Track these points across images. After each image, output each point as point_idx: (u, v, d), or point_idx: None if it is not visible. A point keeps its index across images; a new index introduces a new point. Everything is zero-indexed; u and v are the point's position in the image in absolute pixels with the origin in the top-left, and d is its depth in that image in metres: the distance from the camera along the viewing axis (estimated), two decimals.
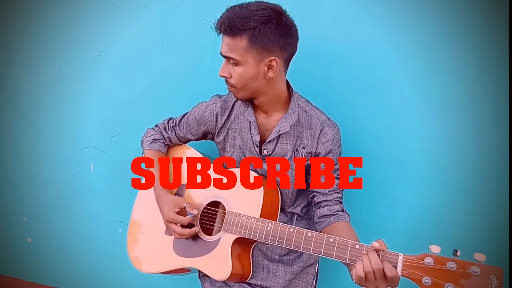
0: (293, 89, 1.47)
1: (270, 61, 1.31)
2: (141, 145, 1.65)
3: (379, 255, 1.08)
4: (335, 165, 1.45)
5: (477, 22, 1.47)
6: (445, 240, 1.55)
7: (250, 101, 1.46)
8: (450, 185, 1.56)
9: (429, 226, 1.59)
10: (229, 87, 1.40)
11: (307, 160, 1.45)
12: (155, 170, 1.56)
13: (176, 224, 1.45)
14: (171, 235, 1.53)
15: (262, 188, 1.39)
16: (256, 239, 1.34)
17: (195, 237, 1.48)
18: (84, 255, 2.30)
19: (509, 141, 1.46)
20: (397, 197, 1.63)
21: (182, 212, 1.46)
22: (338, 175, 1.46)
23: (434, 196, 1.58)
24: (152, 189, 1.59)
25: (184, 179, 1.58)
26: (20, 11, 2.22)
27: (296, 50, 1.38)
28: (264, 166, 1.48)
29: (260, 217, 1.35)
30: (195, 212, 1.45)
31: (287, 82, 1.46)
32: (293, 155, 1.46)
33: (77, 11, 2.08)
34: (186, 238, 1.47)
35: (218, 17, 1.31)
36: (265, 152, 1.47)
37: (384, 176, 1.64)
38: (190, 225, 1.46)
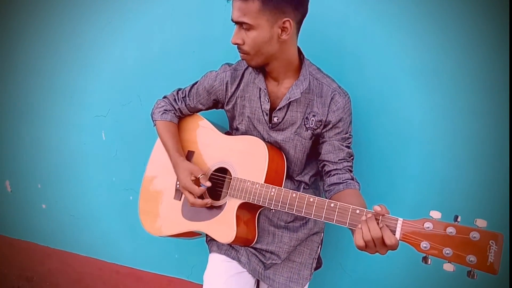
0: (305, 56, 1.45)
1: (284, 22, 1.29)
2: (152, 117, 1.65)
3: (378, 220, 1.09)
4: (345, 133, 1.44)
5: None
6: (450, 208, 1.54)
7: (261, 69, 1.45)
8: (457, 154, 1.55)
9: (435, 195, 1.59)
10: (242, 54, 1.38)
11: (317, 129, 1.45)
12: (169, 138, 1.58)
13: (189, 192, 1.46)
14: (180, 200, 1.56)
15: (267, 154, 1.40)
16: (260, 204, 1.36)
17: None
18: (97, 222, 2.36)
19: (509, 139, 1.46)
20: (404, 166, 1.63)
21: (196, 181, 1.47)
22: (349, 143, 1.45)
23: (440, 165, 1.58)
24: (162, 157, 1.62)
25: (193, 147, 1.60)
26: None
27: (307, 11, 1.36)
28: (273, 134, 1.49)
29: (264, 183, 1.36)
30: (208, 184, 1.46)
31: (299, 49, 1.45)
32: (303, 123, 1.45)
33: None
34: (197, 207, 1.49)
35: None
36: (275, 119, 1.46)
37: (391, 145, 1.64)
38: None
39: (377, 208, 1.09)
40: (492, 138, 1.49)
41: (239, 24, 1.32)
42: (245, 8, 1.27)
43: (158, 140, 1.68)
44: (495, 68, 1.45)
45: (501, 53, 1.44)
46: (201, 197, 1.47)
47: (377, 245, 1.08)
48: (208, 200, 1.45)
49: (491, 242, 0.94)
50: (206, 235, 1.59)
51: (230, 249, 1.52)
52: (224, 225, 1.42)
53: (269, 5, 1.26)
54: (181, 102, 1.62)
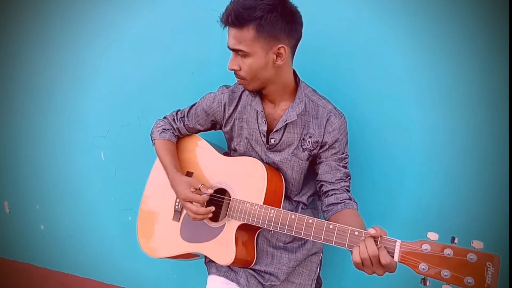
0: (300, 78, 1.48)
1: (278, 48, 1.32)
2: (151, 136, 1.67)
3: (377, 242, 1.10)
4: (342, 154, 1.46)
5: (477, 21, 1.46)
6: (448, 229, 1.55)
7: (257, 91, 1.47)
8: (455, 174, 1.56)
9: (433, 215, 1.59)
10: (239, 79, 1.41)
11: (314, 149, 1.46)
12: (168, 156, 1.58)
13: (191, 203, 1.45)
14: (179, 221, 1.56)
15: (265, 176, 1.41)
16: (259, 225, 1.36)
17: (201, 223, 1.51)
18: (95, 242, 2.35)
19: (509, 140, 1.46)
20: (401, 186, 1.64)
21: (197, 193, 1.47)
22: (346, 163, 1.47)
23: (438, 185, 1.58)
24: (161, 177, 1.62)
25: (192, 168, 1.61)
26: (33, 2, 2.26)
27: (301, 36, 1.39)
28: (270, 155, 1.50)
29: (263, 204, 1.37)
30: (210, 191, 1.45)
31: (294, 72, 1.47)
32: (300, 144, 1.47)
33: (89, 2, 2.11)
34: (200, 219, 1.46)
35: (223, 11, 1.32)
36: (272, 141, 1.48)
37: (388, 165, 1.65)
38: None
39: (372, 231, 1.10)
40: (490, 157, 1.50)
41: (235, 51, 1.35)
42: (240, 36, 1.30)
43: (157, 161, 1.69)
44: (495, 73, 1.46)
45: (502, 53, 1.45)
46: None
47: (374, 264, 1.09)
48: (212, 208, 1.43)
49: (488, 264, 0.95)
50: (205, 256, 1.59)
51: (229, 271, 1.52)
52: (223, 247, 1.42)
53: (263, 33, 1.29)
54: (180, 122, 1.64)
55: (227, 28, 1.34)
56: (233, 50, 1.35)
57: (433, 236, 1.02)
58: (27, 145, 2.44)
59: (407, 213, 1.64)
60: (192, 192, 1.45)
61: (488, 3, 1.45)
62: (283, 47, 1.32)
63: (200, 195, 1.45)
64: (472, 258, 0.96)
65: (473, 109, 1.51)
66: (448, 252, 0.99)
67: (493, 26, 1.44)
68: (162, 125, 1.65)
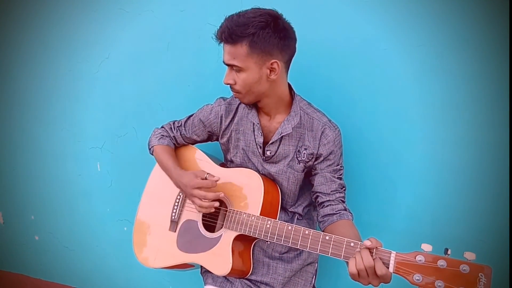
0: (295, 92, 1.51)
1: (272, 64, 1.35)
2: (149, 144, 1.68)
3: (372, 253, 1.12)
4: (337, 165, 1.49)
5: (477, 23, 1.48)
6: (442, 239, 1.58)
7: (253, 104, 1.50)
8: (448, 185, 1.58)
9: (427, 225, 1.62)
10: (234, 93, 1.44)
11: (309, 161, 1.49)
12: (169, 158, 1.59)
13: (200, 189, 1.44)
14: (175, 232, 1.58)
15: (262, 187, 1.43)
16: (256, 236, 1.38)
17: (198, 233, 1.52)
18: (91, 253, 2.35)
19: (509, 141, 1.48)
20: (395, 197, 1.66)
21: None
22: (341, 175, 1.50)
23: (432, 196, 1.61)
24: (157, 188, 1.64)
25: None
26: (31, 14, 2.27)
27: (295, 51, 1.42)
28: (267, 166, 1.53)
29: (260, 215, 1.39)
30: (217, 178, 1.45)
31: (289, 85, 1.51)
32: (295, 156, 1.50)
33: (87, 14, 2.13)
34: (206, 206, 1.43)
35: (218, 27, 1.36)
36: (268, 153, 1.51)
37: (383, 176, 1.68)
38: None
39: (367, 243, 1.13)
40: (485, 167, 1.53)
41: (230, 66, 1.38)
42: (234, 52, 1.34)
43: (153, 172, 1.71)
44: (495, 73, 1.48)
45: (502, 53, 1.46)
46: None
47: (370, 275, 1.11)
48: (221, 193, 1.44)
49: (480, 275, 0.97)
50: (201, 266, 1.60)
51: (225, 281, 1.54)
52: (219, 257, 1.44)
53: (256, 49, 1.32)
54: (177, 131, 1.67)
55: (222, 44, 1.37)
56: (228, 65, 1.39)
57: (427, 247, 1.05)
58: (22, 155, 2.44)
59: (401, 224, 1.66)
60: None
61: (488, 8, 1.46)
62: (276, 62, 1.35)
63: None
64: (465, 269, 0.99)
65: (469, 118, 1.53)
66: (441, 263, 1.02)
67: (493, 31, 1.46)
68: (160, 132, 1.68)
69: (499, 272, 1.43)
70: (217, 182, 1.45)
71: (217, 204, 1.44)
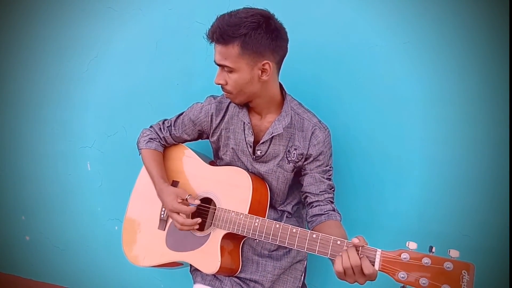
0: (286, 92, 1.51)
1: (263, 64, 1.35)
2: (137, 145, 1.68)
3: (358, 251, 1.13)
4: (326, 166, 1.50)
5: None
6: (429, 236, 1.59)
7: (244, 104, 1.50)
8: (435, 182, 1.60)
9: (414, 222, 1.63)
10: (226, 93, 1.44)
11: (298, 161, 1.50)
12: (154, 166, 1.60)
13: (178, 214, 1.46)
14: (164, 230, 1.58)
15: (251, 185, 1.44)
16: (244, 235, 1.39)
17: (186, 232, 1.52)
18: (82, 253, 2.34)
19: (509, 142, 1.49)
20: (383, 195, 1.68)
21: (184, 203, 1.48)
22: (330, 176, 1.50)
23: (419, 193, 1.62)
24: (146, 186, 1.63)
25: (178, 177, 1.63)
26: (19, 13, 2.26)
27: (287, 52, 1.42)
28: (256, 166, 1.53)
29: (248, 213, 1.40)
30: (197, 202, 1.48)
31: (281, 85, 1.50)
32: (285, 156, 1.50)
33: (75, 14, 2.12)
34: (186, 230, 1.48)
35: (209, 27, 1.35)
36: (258, 152, 1.51)
37: (370, 174, 1.69)
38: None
39: (355, 240, 1.13)
40: (469, 164, 1.54)
41: (221, 66, 1.37)
42: (225, 53, 1.33)
43: (142, 171, 1.70)
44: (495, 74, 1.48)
45: (501, 53, 1.46)
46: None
47: (356, 274, 1.12)
48: (198, 219, 1.46)
49: (463, 272, 0.99)
50: (190, 265, 1.60)
51: (215, 280, 1.54)
52: (208, 256, 1.44)
53: (248, 50, 1.31)
54: (166, 131, 1.66)
55: (214, 44, 1.36)
56: (219, 65, 1.38)
57: (412, 245, 1.06)
58: (12, 155, 2.43)
59: (389, 221, 1.67)
60: (179, 202, 1.47)
61: (487, 6, 1.47)
62: (268, 63, 1.35)
63: (187, 205, 1.47)
64: (448, 267, 1.00)
65: (453, 117, 1.55)
66: (426, 261, 1.03)
67: (493, 29, 1.47)
68: (148, 134, 1.66)
69: (499, 272, 1.46)
70: (206, 181, 1.46)
71: (199, 220, 1.46)
